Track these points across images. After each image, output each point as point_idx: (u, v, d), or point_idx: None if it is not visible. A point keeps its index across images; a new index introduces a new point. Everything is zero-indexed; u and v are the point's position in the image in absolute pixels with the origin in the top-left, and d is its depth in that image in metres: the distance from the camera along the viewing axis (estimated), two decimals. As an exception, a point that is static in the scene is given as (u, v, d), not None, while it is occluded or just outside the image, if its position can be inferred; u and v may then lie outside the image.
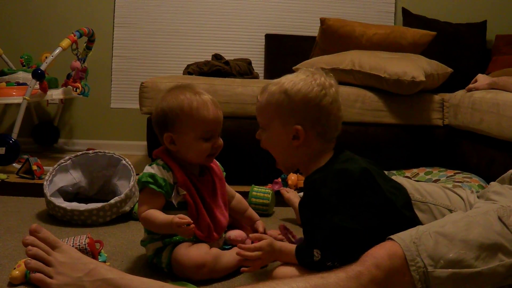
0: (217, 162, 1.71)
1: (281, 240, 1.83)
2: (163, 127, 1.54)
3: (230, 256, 1.54)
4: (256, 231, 1.76)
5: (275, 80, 1.46)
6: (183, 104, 1.51)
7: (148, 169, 1.52)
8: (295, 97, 1.38)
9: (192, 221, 1.40)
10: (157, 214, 1.46)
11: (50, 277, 1.22)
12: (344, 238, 1.28)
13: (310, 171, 1.41)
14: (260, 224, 1.78)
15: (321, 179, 1.34)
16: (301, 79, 1.40)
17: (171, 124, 1.52)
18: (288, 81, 1.41)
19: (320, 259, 1.29)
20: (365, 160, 1.41)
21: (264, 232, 1.76)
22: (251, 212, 1.82)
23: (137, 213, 2.04)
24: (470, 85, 2.90)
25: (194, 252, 1.47)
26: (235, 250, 1.59)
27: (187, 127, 1.51)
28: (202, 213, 1.53)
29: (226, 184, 1.73)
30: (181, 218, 1.39)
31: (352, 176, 1.32)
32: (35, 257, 1.24)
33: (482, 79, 2.87)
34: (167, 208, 1.50)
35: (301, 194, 2.57)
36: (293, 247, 1.38)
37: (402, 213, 1.34)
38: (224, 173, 1.73)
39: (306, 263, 1.33)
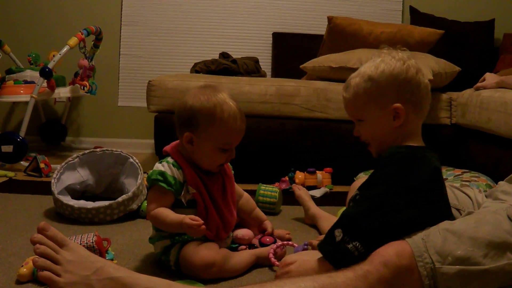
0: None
1: (288, 239, 1.83)
2: (186, 124, 1.49)
3: (239, 257, 1.54)
4: (264, 231, 1.76)
5: (355, 73, 1.44)
6: (216, 110, 1.47)
7: (158, 167, 1.51)
8: (381, 78, 1.36)
9: (203, 222, 1.39)
10: (167, 213, 1.45)
11: (58, 275, 1.22)
12: (371, 220, 1.25)
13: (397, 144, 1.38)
14: (268, 224, 1.78)
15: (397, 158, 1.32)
16: (380, 61, 1.39)
17: (196, 125, 1.48)
18: (368, 67, 1.40)
19: (341, 239, 1.25)
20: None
21: (272, 232, 1.76)
22: (258, 212, 1.81)
23: (144, 211, 2.06)
24: (478, 84, 2.89)
25: (204, 251, 1.46)
26: (245, 252, 1.59)
27: (212, 134, 1.48)
28: (212, 212, 1.53)
29: (236, 184, 1.72)
30: (192, 219, 1.38)
31: (428, 167, 1.30)
32: (43, 255, 1.24)
33: (490, 77, 2.86)
34: (176, 206, 1.50)
35: (312, 191, 2.58)
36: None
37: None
38: (233, 171, 1.72)
39: (327, 251, 1.29)
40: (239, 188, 1.76)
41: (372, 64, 1.40)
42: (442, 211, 1.33)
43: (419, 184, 1.27)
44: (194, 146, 1.50)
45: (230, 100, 1.50)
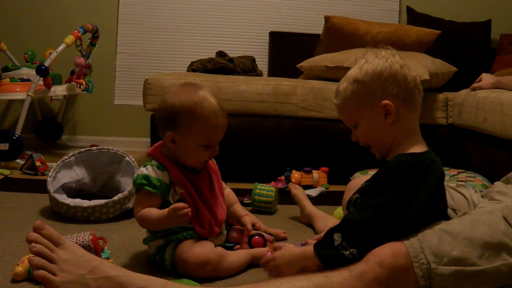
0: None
1: (284, 238, 1.84)
2: (168, 123, 1.50)
3: (235, 256, 1.54)
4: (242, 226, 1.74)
5: (342, 79, 1.44)
6: (196, 107, 1.47)
7: (142, 171, 1.51)
8: (366, 78, 1.36)
9: (187, 205, 1.39)
10: (151, 211, 1.45)
11: (54, 274, 1.22)
12: (373, 230, 1.25)
13: (401, 149, 1.36)
14: (246, 220, 1.74)
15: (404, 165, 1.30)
16: (364, 62, 1.39)
17: (178, 124, 1.48)
18: (353, 70, 1.40)
19: (340, 243, 1.26)
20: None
21: (254, 227, 1.74)
22: (237, 207, 1.79)
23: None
24: (475, 84, 2.90)
25: (199, 249, 1.46)
26: (241, 251, 1.59)
27: (193, 131, 1.48)
28: (202, 209, 1.53)
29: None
30: (176, 205, 1.38)
31: (435, 175, 1.30)
32: (38, 254, 1.24)
33: (486, 78, 2.86)
34: (164, 207, 1.48)
35: (308, 191, 2.58)
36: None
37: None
38: (217, 165, 1.72)
39: (323, 254, 1.29)
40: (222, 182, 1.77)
41: (356, 66, 1.40)
42: (440, 213, 1.34)
43: (426, 196, 1.26)
44: (177, 145, 1.50)
45: (211, 97, 1.50)
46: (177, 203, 1.41)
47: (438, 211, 1.33)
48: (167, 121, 1.50)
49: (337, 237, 1.27)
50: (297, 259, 1.36)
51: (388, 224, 1.24)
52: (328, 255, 1.27)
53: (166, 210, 1.41)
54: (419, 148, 1.35)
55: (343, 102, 1.42)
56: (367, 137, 1.42)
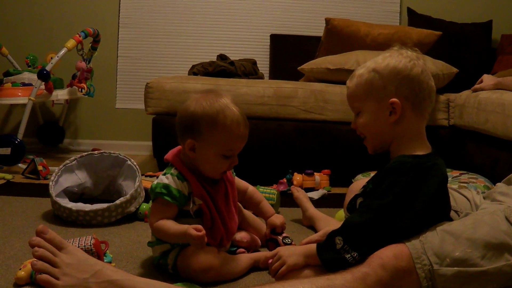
0: None
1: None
2: (188, 131, 1.47)
3: (237, 260, 1.54)
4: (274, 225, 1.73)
5: (361, 65, 1.43)
6: (218, 116, 1.44)
7: (162, 179, 1.48)
8: (384, 71, 1.35)
9: (204, 232, 1.37)
10: (170, 224, 1.43)
11: (56, 278, 1.22)
12: (373, 232, 1.25)
13: (403, 151, 1.35)
14: (272, 221, 1.73)
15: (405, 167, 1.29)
16: (388, 55, 1.38)
17: (198, 132, 1.45)
18: (375, 60, 1.39)
19: (341, 247, 1.26)
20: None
21: (275, 231, 1.73)
22: (265, 205, 1.77)
23: (142, 214, 2.06)
24: (476, 86, 2.89)
25: (202, 255, 1.45)
26: (243, 255, 1.59)
27: (214, 140, 1.45)
28: (217, 222, 1.52)
29: (238, 178, 1.72)
30: (196, 229, 1.36)
31: (436, 178, 1.30)
32: (41, 258, 1.24)
33: (487, 79, 2.86)
34: (182, 216, 1.49)
35: (310, 193, 2.58)
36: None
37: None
38: (234, 173, 1.71)
39: (326, 259, 1.30)
40: (243, 182, 1.75)
41: (379, 58, 1.39)
42: (443, 216, 1.33)
43: (426, 198, 1.26)
44: (196, 153, 1.48)
45: (233, 105, 1.48)
46: (195, 225, 1.38)
47: (440, 213, 1.32)
48: (188, 128, 1.47)
49: (338, 241, 1.27)
50: (301, 256, 1.36)
51: (388, 226, 1.23)
52: (330, 259, 1.28)
53: (184, 228, 1.38)
54: (422, 151, 1.35)
55: (355, 87, 1.41)
56: (365, 128, 1.41)
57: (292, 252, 1.39)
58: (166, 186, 1.46)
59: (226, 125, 1.45)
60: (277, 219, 1.74)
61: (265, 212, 1.76)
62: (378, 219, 1.25)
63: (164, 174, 1.50)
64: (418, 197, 1.25)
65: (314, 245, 1.34)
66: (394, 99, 1.33)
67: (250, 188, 1.78)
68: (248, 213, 1.79)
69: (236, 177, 1.72)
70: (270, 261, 1.45)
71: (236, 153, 1.52)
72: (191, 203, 1.49)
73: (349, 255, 1.24)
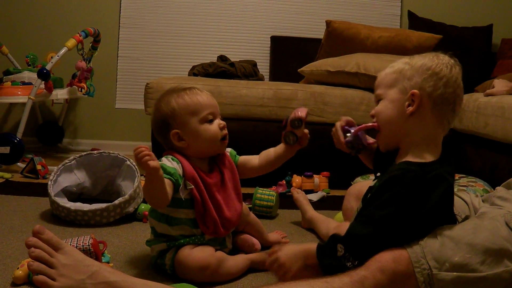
0: (227, 152, 1.70)
1: (285, 243, 1.83)
2: (166, 127, 1.55)
3: (234, 261, 1.54)
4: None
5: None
6: (175, 98, 1.55)
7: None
8: (416, 64, 1.34)
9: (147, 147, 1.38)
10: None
11: (53, 279, 1.22)
12: (375, 244, 1.23)
13: (411, 153, 1.34)
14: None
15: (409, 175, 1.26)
16: (424, 55, 1.37)
17: (172, 120, 1.54)
18: (411, 56, 1.39)
19: (342, 255, 1.24)
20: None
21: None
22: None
23: (141, 214, 2.06)
24: (487, 91, 2.84)
25: (198, 254, 1.46)
26: (240, 256, 1.59)
27: (187, 115, 1.53)
28: (209, 208, 1.52)
29: (245, 156, 1.75)
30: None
31: (439, 189, 1.26)
32: (37, 259, 1.24)
33: (499, 84, 2.78)
34: (174, 205, 1.49)
35: (309, 195, 2.57)
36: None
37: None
38: (238, 157, 1.72)
39: (326, 264, 1.28)
40: (251, 158, 1.79)
41: (415, 55, 1.39)
42: (446, 221, 1.32)
43: (428, 210, 1.24)
44: (186, 139, 1.54)
45: (184, 87, 1.60)
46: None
47: (443, 222, 1.30)
48: (164, 125, 1.56)
49: (340, 248, 1.25)
50: (299, 256, 1.35)
51: (389, 238, 1.22)
52: (330, 265, 1.27)
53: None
54: (430, 156, 1.33)
55: (384, 75, 1.41)
56: (381, 115, 1.38)
57: (291, 253, 1.38)
58: (160, 165, 1.45)
59: (185, 97, 1.56)
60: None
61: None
62: (379, 231, 1.23)
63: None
64: (420, 209, 1.23)
65: (313, 246, 1.33)
66: (415, 91, 1.31)
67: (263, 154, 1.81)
68: (253, 217, 1.79)
69: (243, 156, 1.75)
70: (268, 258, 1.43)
71: (216, 115, 1.57)
72: (183, 187, 1.49)
73: (350, 263, 1.23)
